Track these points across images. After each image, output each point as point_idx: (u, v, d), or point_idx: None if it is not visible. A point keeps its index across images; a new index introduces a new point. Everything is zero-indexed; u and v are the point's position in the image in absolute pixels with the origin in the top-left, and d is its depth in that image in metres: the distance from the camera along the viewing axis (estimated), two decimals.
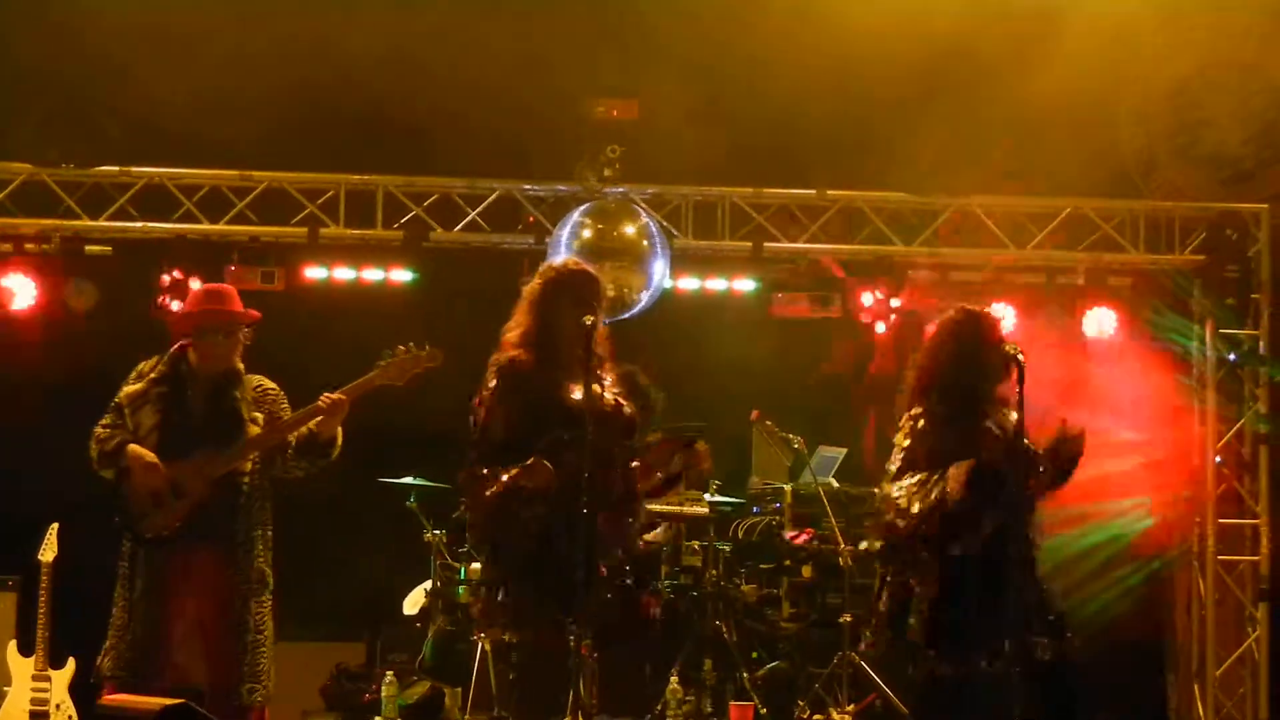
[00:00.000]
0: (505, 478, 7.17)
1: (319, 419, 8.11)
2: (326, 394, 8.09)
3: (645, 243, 12.27)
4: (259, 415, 8.18)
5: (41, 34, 11.75)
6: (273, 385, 8.34)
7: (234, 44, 11.83)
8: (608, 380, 7.41)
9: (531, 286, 7.50)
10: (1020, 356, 7.41)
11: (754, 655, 11.83)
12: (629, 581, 7.24)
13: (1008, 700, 7.22)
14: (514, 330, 7.52)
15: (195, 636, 7.99)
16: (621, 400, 7.33)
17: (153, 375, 8.23)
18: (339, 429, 8.22)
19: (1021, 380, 7.35)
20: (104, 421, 8.20)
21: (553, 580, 7.12)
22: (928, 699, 7.79)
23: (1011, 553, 7.34)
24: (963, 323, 7.86)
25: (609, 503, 7.19)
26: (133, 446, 8.05)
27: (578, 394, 7.16)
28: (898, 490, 7.57)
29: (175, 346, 8.29)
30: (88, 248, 12.40)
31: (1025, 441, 7.58)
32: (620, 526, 7.29)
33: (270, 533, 8.26)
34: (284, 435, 8.15)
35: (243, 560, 8.09)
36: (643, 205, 12.58)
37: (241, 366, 8.28)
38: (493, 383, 7.44)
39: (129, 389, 8.22)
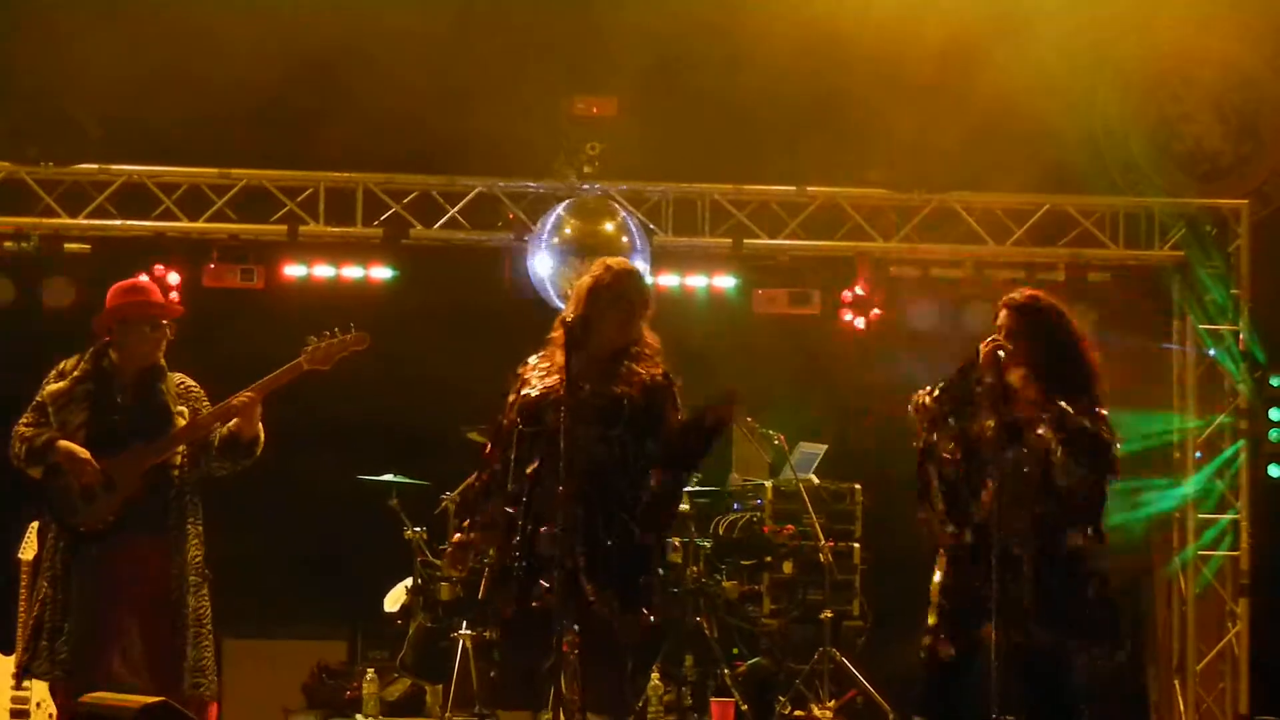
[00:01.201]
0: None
1: (236, 419, 8.07)
2: (242, 393, 8.07)
3: (625, 239, 12.26)
4: (184, 410, 8.14)
5: (17, 30, 11.74)
6: (194, 383, 8.30)
7: (213, 41, 11.82)
8: (628, 372, 7.30)
9: (583, 281, 7.44)
10: (1000, 353, 7.51)
11: (735, 651, 11.84)
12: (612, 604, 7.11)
13: (1002, 686, 7.28)
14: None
15: (136, 632, 7.96)
16: (603, 389, 7.24)
17: (76, 374, 8.19)
18: (259, 428, 8.17)
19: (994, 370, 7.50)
20: (26, 420, 8.18)
21: (502, 576, 7.13)
22: (928, 680, 7.86)
23: (1014, 542, 7.41)
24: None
25: (598, 492, 7.13)
26: (63, 442, 8.03)
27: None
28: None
29: (97, 344, 8.24)
30: (67, 246, 12.38)
31: (1036, 430, 7.65)
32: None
33: (201, 526, 8.22)
34: (205, 430, 8.11)
35: (177, 553, 8.05)
36: (622, 202, 12.57)
37: (164, 362, 8.24)
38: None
39: (52, 388, 8.18)
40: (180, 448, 8.10)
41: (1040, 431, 7.63)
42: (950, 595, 7.70)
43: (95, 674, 7.80)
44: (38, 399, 8.22)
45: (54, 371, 8.27)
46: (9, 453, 8.28)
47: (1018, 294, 7.93)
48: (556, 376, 7.12)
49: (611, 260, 7.49)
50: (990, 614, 7.36)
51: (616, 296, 7.30)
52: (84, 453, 7.99)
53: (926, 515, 7.76)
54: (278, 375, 8.10)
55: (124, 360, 8.17)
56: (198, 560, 8.14)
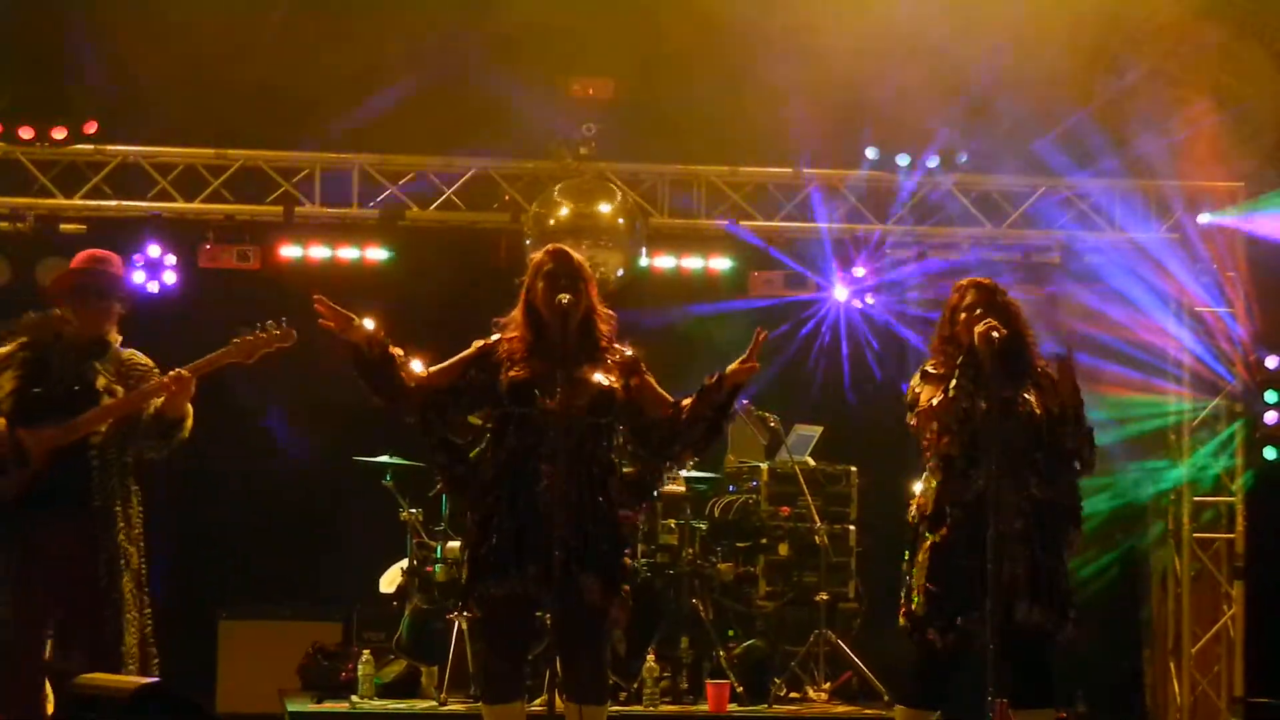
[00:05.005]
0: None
1: (165, 397, 7.96)
2: (176, 370, 7.97)
3: (621, 221, 12.26)
4: (118, 389, 8.02)
5: (12, 6, 11.77)
6: (144, 361, 8.09)
7: (209, 21, 11.81)
8: (606, 359, 7.33)
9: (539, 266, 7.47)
10: (995, 334, 7.53)
11: (730, 633, 11.86)
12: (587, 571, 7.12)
13: (990, 671, 7.30)
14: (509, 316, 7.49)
15: (63, 615, 7.90)
16: (600, 377, 7.25)
17: (24, 339, 8.12)
18: (188, 408, 7.98)
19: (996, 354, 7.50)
20: None
21: (488, 556, 7.13)
22: (920, 668, 7.88)
23: (1001, 526, 7.41)
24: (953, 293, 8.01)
25: (585, 477, 7.15)
26: None
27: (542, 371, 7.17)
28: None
29: (54, 312, 8.14)
30: (62, 226, 12.35)
31: (1027, 406, 7.67)
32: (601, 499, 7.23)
33: (133, 510, 8.01)
34: (124, 410, 7.95)
35: (100, 536, 7.84)
36: (618, 183, 12.56)
37: (116, 338, 8.12)
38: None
39: (1, 350, 8.09)
40: (101, 427, 8.01)
41: (1029, 395, 7.72)
42: (940, 581, 7.70)
43: (27, 653, 7.77)
44: None
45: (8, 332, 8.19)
46: None
47: (978, 277, 8.05)
48: (540, 360, 7.15)
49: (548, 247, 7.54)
50: (982, 597, 7.38)
51: (550, 281, 7.30)
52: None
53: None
54: (204, 363, 7.99)
55: (71, 330, 8.08)
56: (124, 545, 7.94)
